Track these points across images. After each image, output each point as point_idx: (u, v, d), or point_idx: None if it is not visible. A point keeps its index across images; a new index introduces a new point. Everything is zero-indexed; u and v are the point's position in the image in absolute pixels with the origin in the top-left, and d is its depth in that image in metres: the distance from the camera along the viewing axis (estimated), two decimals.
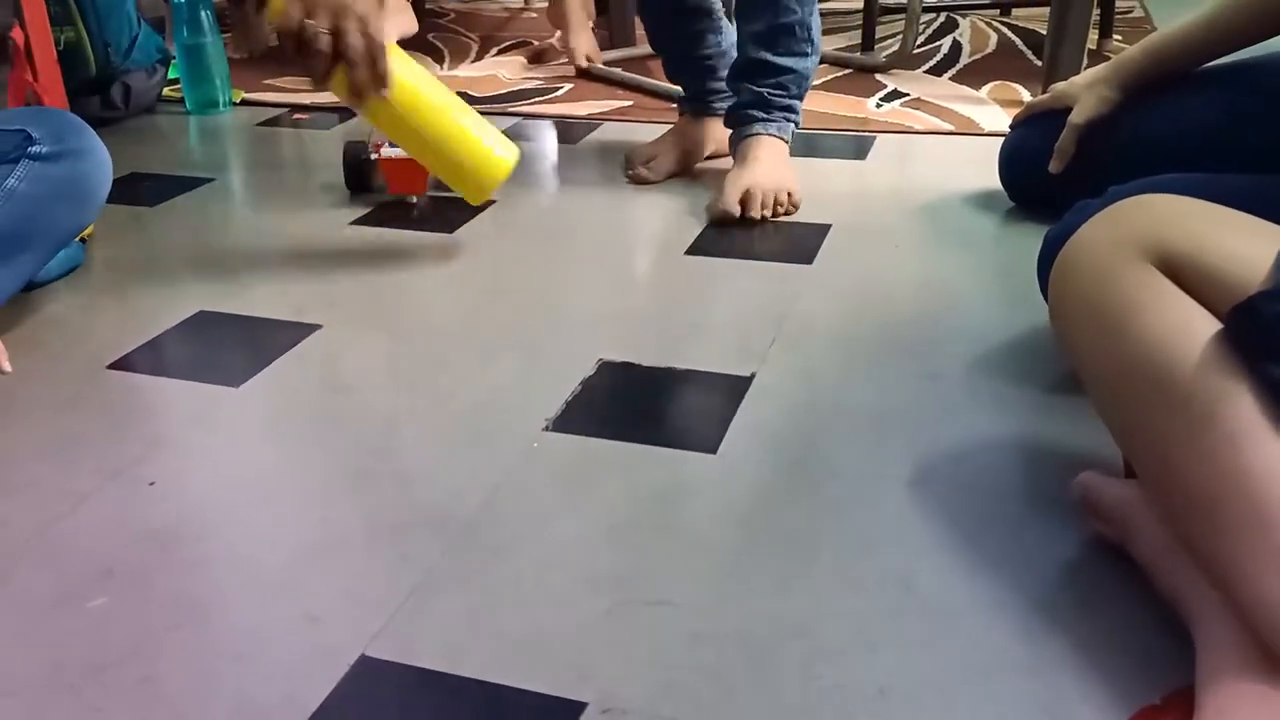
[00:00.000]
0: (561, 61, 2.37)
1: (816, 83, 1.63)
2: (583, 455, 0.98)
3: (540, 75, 2.31)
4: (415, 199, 1.57)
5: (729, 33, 1.61)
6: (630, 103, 2.08)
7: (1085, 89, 1.34)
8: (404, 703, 0.72)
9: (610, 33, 2.45)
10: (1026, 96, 2.00)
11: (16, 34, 1.61)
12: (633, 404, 1.07)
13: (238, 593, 0.82)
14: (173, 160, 1.86)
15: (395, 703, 0.72)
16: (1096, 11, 2.12)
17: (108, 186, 1.28)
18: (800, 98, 1.57)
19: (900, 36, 2.26)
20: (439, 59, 2.45)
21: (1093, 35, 2.17)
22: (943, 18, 2.69)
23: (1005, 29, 2.58)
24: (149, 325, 1.24)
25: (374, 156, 1.57)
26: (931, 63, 2.28)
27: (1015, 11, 2.72)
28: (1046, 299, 0.85)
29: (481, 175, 1.33)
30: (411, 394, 1.10)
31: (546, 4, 2.37)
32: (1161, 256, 0.73)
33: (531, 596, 0.80)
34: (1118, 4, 2.45)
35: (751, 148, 1.54)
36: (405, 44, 2.46)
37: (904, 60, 2.23)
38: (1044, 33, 2.00)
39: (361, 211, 1.56)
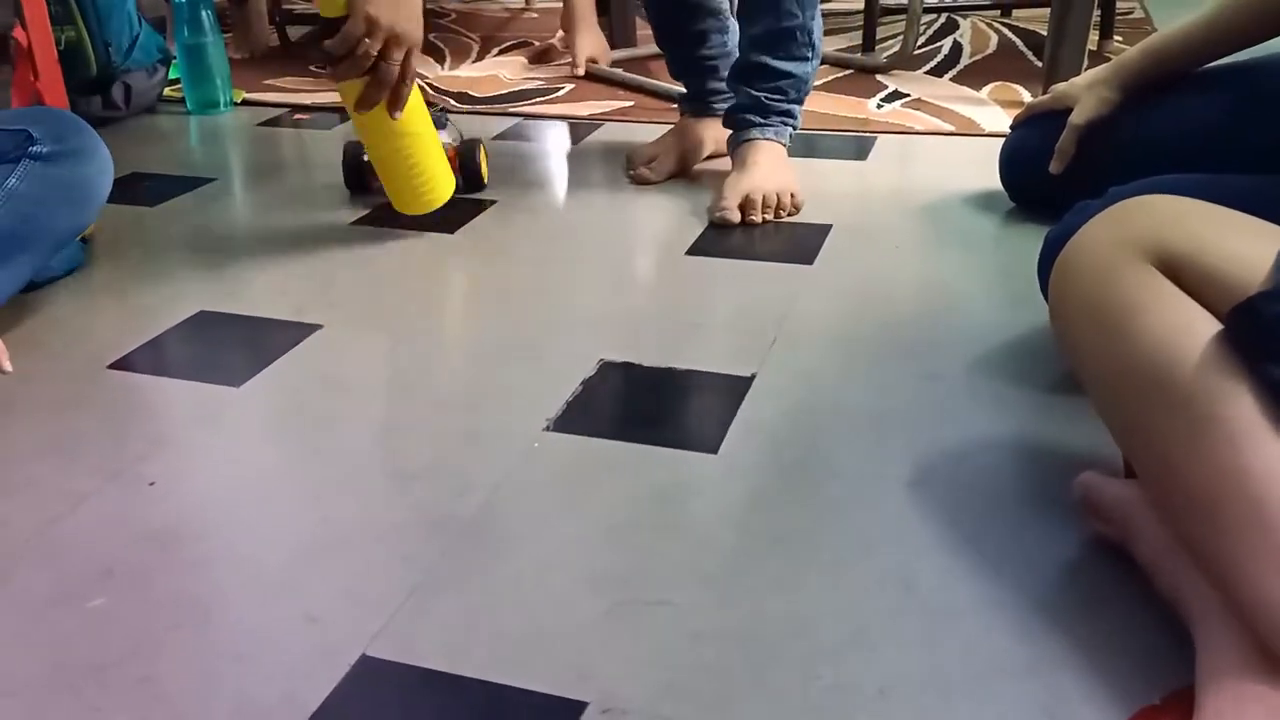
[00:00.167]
0: (563, 62, 2.37)
1: (817, 83, 1.63)
2: (583, 455, 0.98)
3: (541, 75, 2.31)
4: None
5: (736, 33, 1.61)
6: (631, 103, 2.08)
7: (1086, 90, 1.34)
8: (404, 702, 0.72)
9: (611, 33, 2.45)
10: (1027, 97, 2.00)
11: (19, 34, 1.61)
12: (633, 404, 1.07)
13: (238, 592, 0.82)
14: (173, 160, 1.86)
15: (396, 702, 0.72)
16: (1097, 12, 2.11)
17: (108, 186, 1.28)
18: (799, 102, 1.57)
19: (901, 37, 2.26)
20: (440, 59, 2.45)
21: (1093, 36, 2.17)
22: (943, 19, 2.69)
23: (1006, 30, 2.58)
24: (149, 325, 1.24)
25: (367, 158, 1.57)
26: (932, 63, 2.28)
27: (1016, 12, 2.71)
28: (1047, 299, 0.85)
29: (425, 201, 1.46)
30: (412, 394, 1.10)
31: (561, 5, 2.37)
32: (1162, 257, 0.73)
33: (532, 596, 0.80)
34: (1118, 5, 2.45)
35: (749, 152, 1.54)
36: None
37: (905, 61, 2.23)
38: (1044, 34, 2.00)
39: (362, 212, 1.56)
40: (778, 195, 1.49)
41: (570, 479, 0.95)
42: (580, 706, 0.70)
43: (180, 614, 0.80)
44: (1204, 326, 0.69)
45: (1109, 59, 1.37)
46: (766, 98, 1.53)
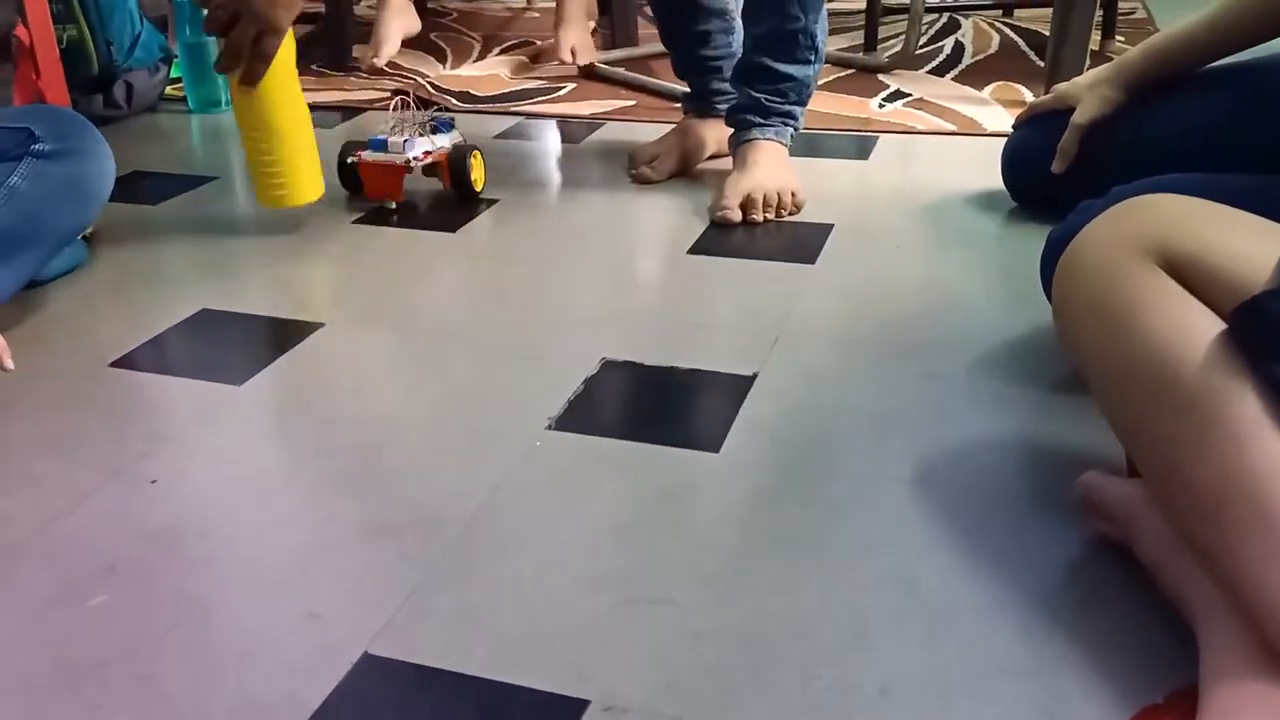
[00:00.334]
0: (553, 61, 2.36)
1: (819, 83, 1.63)
2: (585, 454, 0.98)
3: (543, 75, 2.30)
4: (394, 205, 1.56)
5: (741, 34, 1.60)
6: (633, 102, 2.08)
7: (1088, 89, 1.34)
8: (406, 701, 0.72)
9: (612, 32, 2.45)
10: (1029, 97, 2.00)
11: (21, 32, 1.61)
12: (635, 403, 1.07)
13: (239, 591, 0.82)
14: (175, 159, 1.86)
15: (397, 701, 0.72)
16: (1099, 12, 2.11)
17: (110, 185, 1.29)
18: (801, 104, 1.56)
19: (903, 37, 2.26)
20: (441, 58, 2.45)
21: (1095, 36, 2.17)
22: (945, 18, 2.69)
23: (1008, 30, 2.58)
24: (151, 323, 1.24)
25: (350, 160, 1.57)
26: (934, 63, 2.28)
27: (1018, 12, 2.71)
28: (1049, 299, 0.85)
29: (275, 197, 1.46)
30: (413, 393, 1.10)
31: (553, 3, 2.37)
32: (1165, 256, 0.73)
33: (533, 595, 0.80)
34: (1120, 5, 2.45)
35: (750, 152, 1.54)
36: (409, 43, 2.48)
37: (907, 61, 2.23)
38: (1046, 33, 2.00)
39: (363, 211, 1.56)
40: (779, 194, 1.49)
41: (572, 478, 0.94)
42: (581, 705, 0.70)
43: (181, 612, 0.80)
44: (1208, 325, 0.69)
45: (1111, 59, 1.37)
46: (766, 99, 1.53)
